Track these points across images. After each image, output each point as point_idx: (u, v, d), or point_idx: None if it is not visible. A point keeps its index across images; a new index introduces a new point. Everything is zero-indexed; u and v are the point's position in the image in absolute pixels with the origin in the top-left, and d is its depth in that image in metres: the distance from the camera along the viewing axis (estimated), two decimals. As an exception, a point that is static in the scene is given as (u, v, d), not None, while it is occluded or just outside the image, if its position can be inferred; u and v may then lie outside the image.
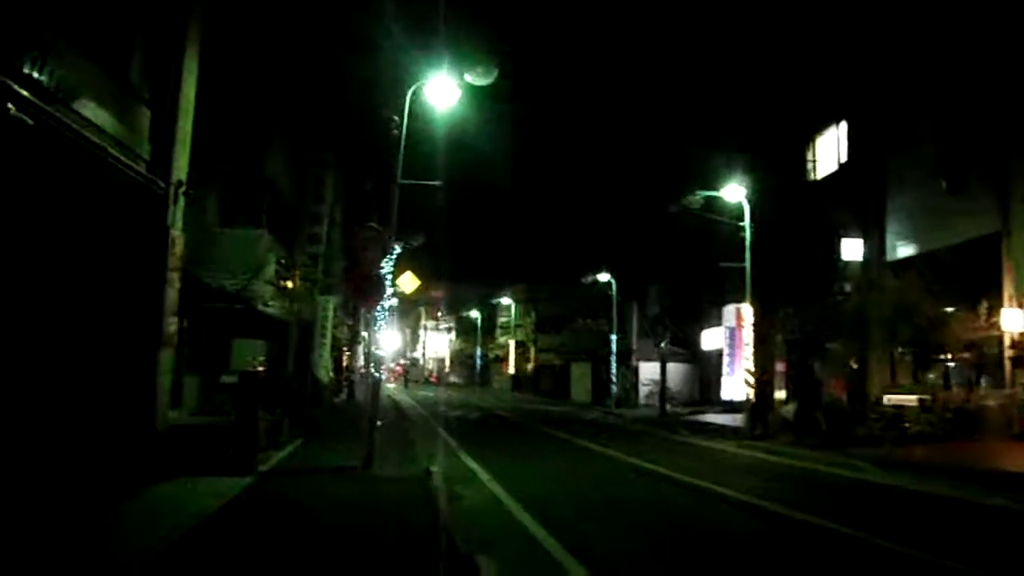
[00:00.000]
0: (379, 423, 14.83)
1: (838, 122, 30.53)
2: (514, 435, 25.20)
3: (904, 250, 26.51)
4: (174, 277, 12.36)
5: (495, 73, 13.82)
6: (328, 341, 19.74)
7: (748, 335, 36.01)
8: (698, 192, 26.12)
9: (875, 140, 28.01)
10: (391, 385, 69.51)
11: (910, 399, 22.82)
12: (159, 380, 12.10)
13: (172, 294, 12.36)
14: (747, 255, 25.24)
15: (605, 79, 74.39)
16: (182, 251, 12.61)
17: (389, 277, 15.65)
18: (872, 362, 27.07)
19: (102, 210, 10.81)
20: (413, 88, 14.49)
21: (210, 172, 19.89)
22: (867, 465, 16.36)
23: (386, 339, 77.64)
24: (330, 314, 19.74)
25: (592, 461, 17.85)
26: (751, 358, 25.02)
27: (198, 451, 12.94)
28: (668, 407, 36.09)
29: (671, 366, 43.81)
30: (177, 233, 12.47)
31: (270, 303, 20.92)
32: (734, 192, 25.94)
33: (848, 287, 28.14)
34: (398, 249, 15.89)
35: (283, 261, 22.16)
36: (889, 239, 27.48)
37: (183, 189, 12.61)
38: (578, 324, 64.56)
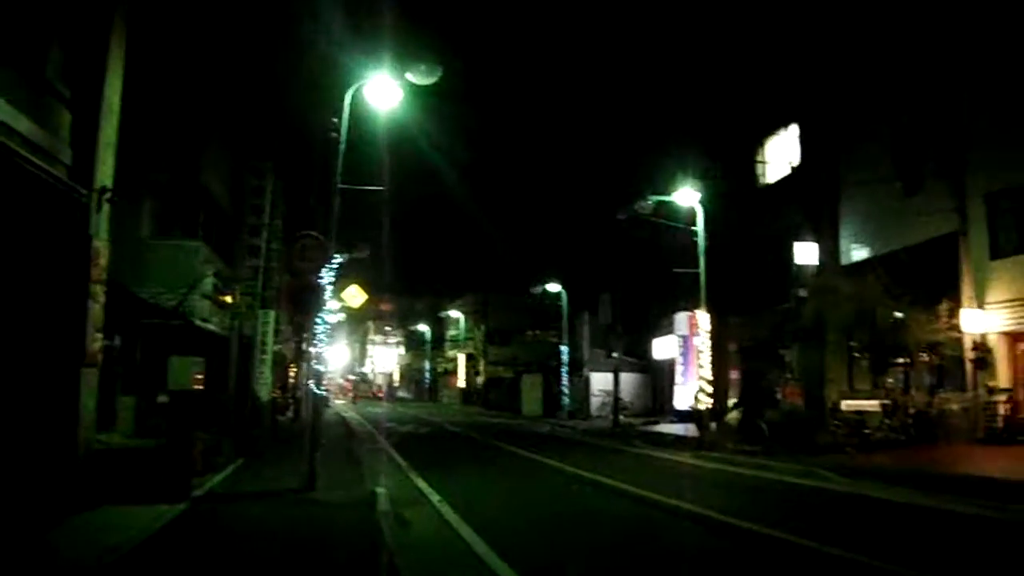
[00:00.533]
0: (323, 442, 14.11)
1: (788, 125, 30.35)
2: (464, 450, 24.48)
3: (859, 253, 26.32)
4: (98, 290, 11.49)
5: (439, 72, 13.17)
6: (269, 357, 18.83)
7: (701, 343, 35.89)
8: (649, 197, 25.67)
9: (827, 142, 27.85)
10: (340, 402, 68.26)
11: (870, 404, 22.55)
12: (82, 401, 11.20)
13: (96, 308, 11.49)
14: (701, 260, 24.87)
15: (556, 83, 73.85)
16: (107, 263, 11.74)
17: (331, 288, 14.83)
18: (829, 367, 26.83)
19: (14, 217, 9.95)
20: (353, 88, 13.77)
21: (143, 182, 19.06)
22: (831, 474, 15.91)
23: (334, 354, 76.50)
24: (270, 329, 18.86)
25: (547, 477, 17.22)
26: (706, 366, 24.56)
27: (129, 476, 12.04)
28: (621, 418, 35.58)
29: (623, 376, 43.21)
30: (101, 243, 11.60)
31: (209, 318, 20.00)
32: (686, 196, 25.55)
33: (803, 292, 27.87)
34: (340, 259, 15.15)
35: (222, 274, 21.24)
36: (844, 242, 27.30)
37: (107, 196, 11.74)
38: (528, 336, 64.15)
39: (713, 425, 25.77)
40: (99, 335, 11.58)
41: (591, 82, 62.20)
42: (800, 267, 28.19)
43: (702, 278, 24.51)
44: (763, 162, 32.04)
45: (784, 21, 29.07)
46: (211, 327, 20.42)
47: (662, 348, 40.37)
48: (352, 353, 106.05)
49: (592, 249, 44.34)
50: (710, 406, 24.17)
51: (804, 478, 15.91)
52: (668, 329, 39.13)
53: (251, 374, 19.08)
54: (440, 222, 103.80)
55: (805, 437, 21.12)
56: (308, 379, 12.73)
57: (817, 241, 27.86)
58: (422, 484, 14.63)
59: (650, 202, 25.48)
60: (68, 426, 10.92)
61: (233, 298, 21.41)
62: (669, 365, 39.63)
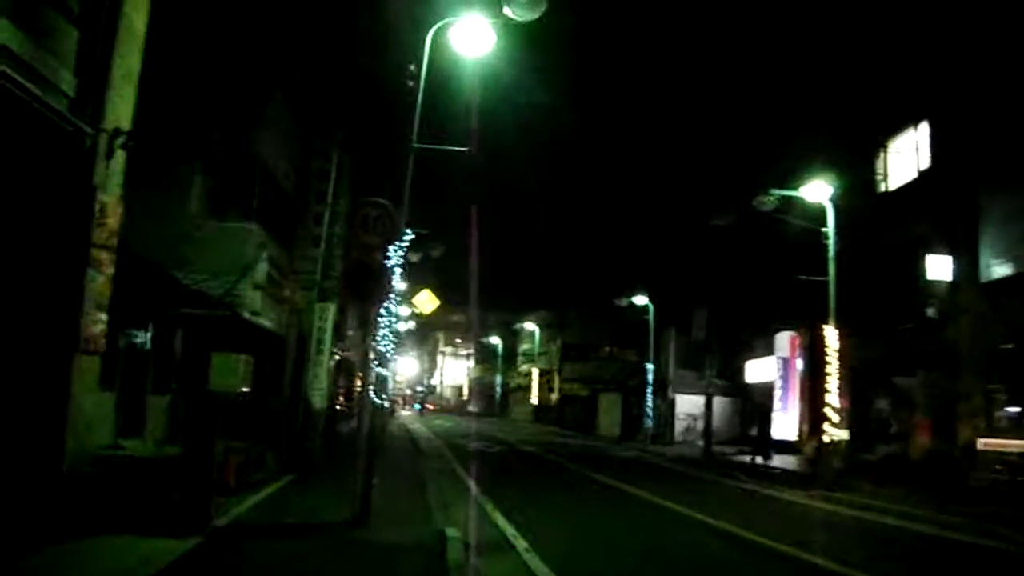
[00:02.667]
0: (385, 456, 11.54)
1: (917, 124, 26.80)
2: (545, 477, 21.58)
3: (1002, 269, 22.79)
4: (103, 257, 8.98)
5: (544, 5, 10.43)
6: (325, 358, 16.26)
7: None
8: (772, 191, 22.45)
9: (965, 141, 24.33)
10: (406, 413, 65.94)
11: (1017, 444, 19.15)
12: (73, 398, 8.69)
13: (100, 281, 8.98)
14: (831, 266, 21.58)
15: (653, 73, 69.83)
16: (118, 224, 9.24)
17: (401, 292, 12.20)
18: (964, 400, 23.40)
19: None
20: (435, 28, 11.13)
21: (193, 153, 16.73)
22: (1014, 533, 12.70)
23: (403, 365, 74.29)
24: (328, 325, 16.27)
25: (649, 516, 14.27)
26: (833, 391, 21.23)
27: (136, 496, 9.55)
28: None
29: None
30: (111, 198, 9.10)
31: (261, 312, 17.52)
32: (816, 191, 22.30)
33: (933, 311, 24.46)
34: (410, 234, 12.56)
35: (279, 264, 18.81)
36: (983, 257, 23.79)
37: (123, 141, 9.25)
38: (604, 352, 61.02)
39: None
40: (102, 315, 9.06)
41: (692, 76, 58.44)
42: (930, 283, 24.78)
43: (831, 287, 21.23)
44: (884, 171, 28.55)
45: (912, 8, 25.79)
46: (263, 322, 17.95)
47: (756, 371, 37.02)
48: (421, 364, 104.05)
49: (683, 260, 41.10)
50: (834, 439, 20.83)
51: (978, 536, 12.74)
52: (763, 351, 35.85)
53: (302, 378, 16.52)
54: (517, 226, 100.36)
55: (952, 480, 17.84)
56: (366, 384, 10.02)
57: (951, 254, 24.41)
58: (500, 520, 11.83)
59: (772, 197, 22.27)
60: (51, 430, 8.41)
61: (291, 291, 18.96)
62: (763, 390, 36.30)
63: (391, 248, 11.13)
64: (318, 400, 15.92)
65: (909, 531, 13.69)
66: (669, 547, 11.25)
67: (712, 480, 21.86)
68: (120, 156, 9.33)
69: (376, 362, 11.75)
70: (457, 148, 13.31)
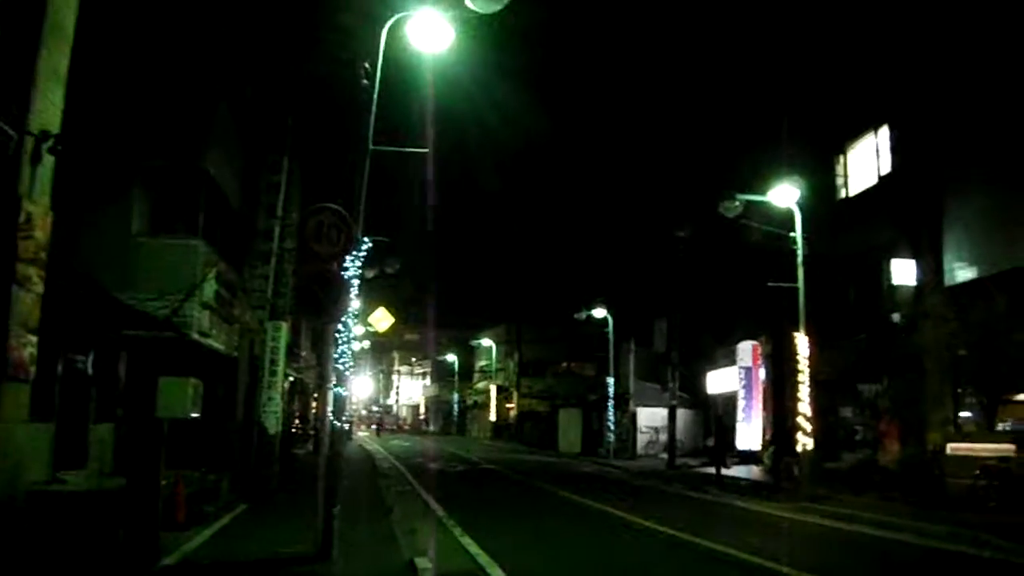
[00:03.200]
0: (344, 482, 10.80)
1: (877, 128, 26.52)
2: (510, 496, 20.87)
3: (966, 272, 22.57)
4: (31, 274, 8.16)
5: (506, -6, 9.79)
6: (279, 379, 15.40)
7: (763, 375, 32.27)
8: (736, 196, 21.96)
9: (927, 144, 24.09)
10: (362, 433, 64.68)
11: (986, 449, 18.84)
12: (-1, 430, 7.85)
13: (28, 300, 8.15)
14: (799, 272, 21.14)
15: (616, 76, 69.30)
16: (47, 237, 8.42)
17: (356, 311, 11.40)
18: (931, 406, 23.14)
19: None
20: (390, 23, 10.45)
21: (133, 168, 15.89)
22: (997, 539, 12.24)
23: (358, 385, 72.99)
24: (281, 345, 15.42)
25: (623, 536, 13.64)
26: (805, 399, 20.73)
27: (76, 534, 8.70)
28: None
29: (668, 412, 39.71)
30: (38, 209, 8.28)
31: (210, 333, 16.64)
32: (783, 195, 21.87)
33: (897, 317, 24.20)
34: (367, 244, 11.77)
35: (228, 282, 17.94)
36: (947, 261, 23.57)
37: (50, 144, 8.44)
38: (562, 368, 60.45)
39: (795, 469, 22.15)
40: (31, 337, 8.23)
41: (646, 81, 57.98)
42: (894, 289, 24.54)
43: (800, 293, 20.79)
44: (844, 176, 28.31)
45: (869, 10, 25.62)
46: (213, 344, 17.06)
47: (718, 382, 36.65)
48: (376, 384, 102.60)
49: (642, 272, 40.69)
50: (807, 447, 20.32)
51: (963, 544, 12.27)
52: (725, 361, 35.49)
53: (256, 400, 15.64)
54: (474, 237, 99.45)
55: (928, 486, 17.47)
56: (324, 406, 9.25)
57: (915, 258, 24.19)
58: (471, 546, 11.09)
59: (736, 202, 21.80)
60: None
61: (243, 311, 18.11)
62: (724, 401, 35.94)
63: (347, 259, 10.41)
64: (272, 423, 15.06)
65: (892, 541, 13.20)
66: (647, 566, 10.67)
67: (680, 494, 21.33)
68: (48, 162, 8.53)
69: (334, 382, 11.00)
70: (415, 149, 12.62)
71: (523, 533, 13.22)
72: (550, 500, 19.20)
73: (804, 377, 20.33)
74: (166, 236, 16.29)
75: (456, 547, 11.12)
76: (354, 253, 11.01)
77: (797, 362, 20.52)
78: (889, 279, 24.29)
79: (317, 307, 8.88)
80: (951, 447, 20.78)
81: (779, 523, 15.33)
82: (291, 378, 33.40)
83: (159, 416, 15.26)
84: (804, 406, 20.09)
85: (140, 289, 15.14)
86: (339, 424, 10.67)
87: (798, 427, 20.09)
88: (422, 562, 8.92)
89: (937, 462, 19.00)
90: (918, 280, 23.87)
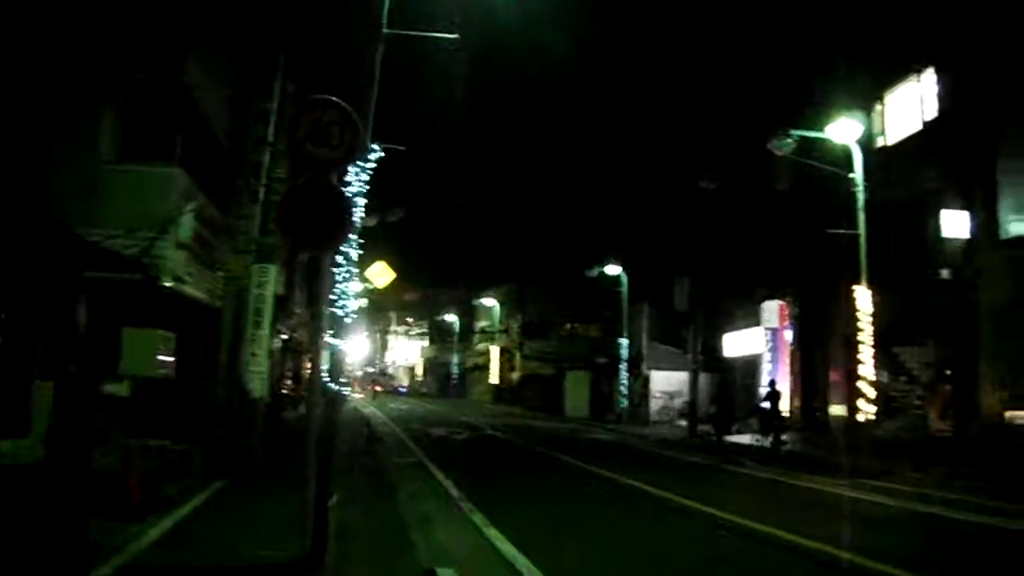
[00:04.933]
0: (338, 447, 8.54)
1: (920, 71, 24.10)
2: (532, 470, 18.50)
3: (1022, 225, 20.40)
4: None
5: None
6: (265, 334, 13.08)
7: (790, 336, 30.01)
8: (788, 132, 19.43)
9: (980, 86, 21.73)
10: (358, 396, 62.49)
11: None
12: None
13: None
14: (860, 217, 18.70)
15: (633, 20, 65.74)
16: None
17: (357, 245, 9.01)
18: (983, 371, 20.98)
19: None
20: None
21: (102, 72, 13.48)
22: None
23: (353, 345, 70.68)
24: (269, 291, 13.07)
25: (681, 523, 11.46)
26: (867, 362, 18.31)
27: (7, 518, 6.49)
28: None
29: (685, 375, 37.39)
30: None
31: (186, 278, 14.31)
32: (844, 130, 19.44)
33: (945, 273, 21.94)
34: (378, 152, 9.40)
35: (210, 220, 15.60)
36: (1002, 212, 21.29)
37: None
38: (566, 330, 58.25)
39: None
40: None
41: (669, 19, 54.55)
42: (942, 242, 22.26)
43: (862, 241, 18.36)
44: (880, 121, 25.84)
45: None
46: (191, 291, 14.76)
47: (737, 344, 34.46)
48: (373, 345, 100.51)
49: (659, 227, 38.25)
50: (869, 416, 17.92)
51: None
52: (745, 322, 33.25)
53: (238, 358, 13.32)
54: (467, 193, 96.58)
55: (994, 458, 15.41)
56: (317, 365, 6.89)
57: (967, 209, 21.88)
58: (501, 543, 8.77)
59: (790, 139, 19.29)
60: None
61: (228, 256, 15.72)
62: (744, 364, 33.79)
63: (351, 170, 8.14)
64: (257, 385, 12.75)
65: (993, 528, 11.08)
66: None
67: (716, 467, 19.15)
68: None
69: (330, 333, 8.71)
70: (443, 35, 10.20)
71: (561, 522, 10.93)
72: (578, 476, 16.92)
73: (866, 336, 17.95)
74: (138, 164, 13.92)
75: (482, 544, 8.86)
76: (360, 164, 8.68)
77: (856, 319, 18.09)
78: (937, 231, 22.05)
79: (311, 231, 6.52)
80: (1008, 415, 18.84)
81: (847, 504, 13.10)
82: (283, 336, 31.12)
83: (123, 374, 13.14)
84: (866, 369, 17.77)
85: (106, 224, 12.81)
86: (336, 387, 8.34)
87: (858, 393, 17.74)
88: (446, 574, 6.67)
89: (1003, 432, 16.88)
90: (971, 233, 21.67)
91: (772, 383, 24.90)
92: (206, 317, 15.98)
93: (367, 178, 8.87)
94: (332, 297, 8.35)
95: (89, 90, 13.25)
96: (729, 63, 31.88)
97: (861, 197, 18.36)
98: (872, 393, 17.67)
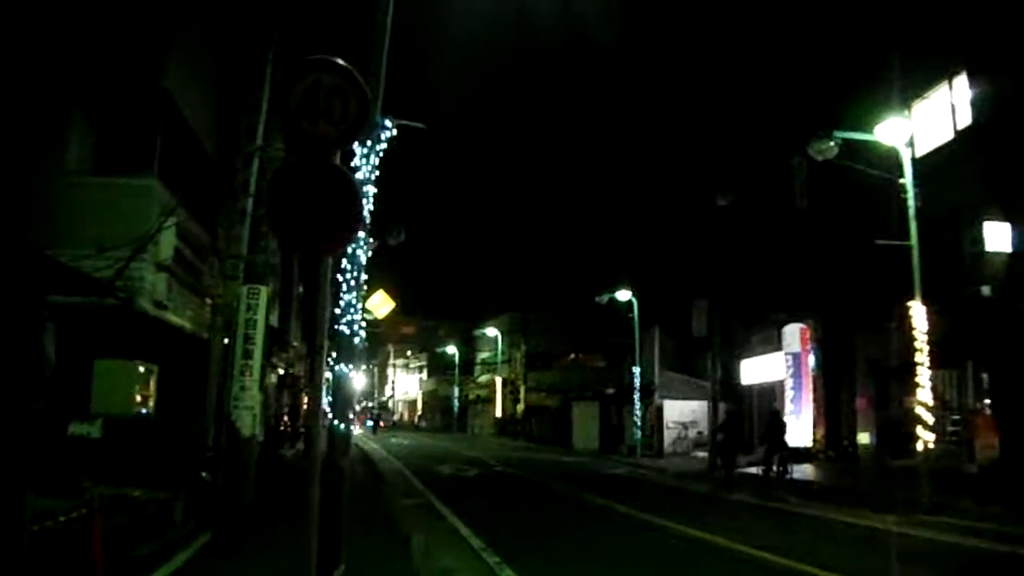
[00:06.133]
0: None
1: (952, 77, 22.77)
2: (557, 512, 16.71)
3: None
4: None
5: None
6: (256, 364, 11.43)
7: (812, 361, 28.37)
8: (831, 134, 17.84)
9: (1019, 91, 20.40)
10: (357, 430, 60.53)
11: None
12: None
13: None
14: (912, 226, 17.08)
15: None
16: None
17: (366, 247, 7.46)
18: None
19: None
20: None
21: (72, 72, 12.07)
22: None
23: (353, 379, 68.94)
24: (260, 315, 11.44)
25: (743, 571, 9.85)
26: (926, 385, 16.58)
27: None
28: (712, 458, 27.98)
29: (698, 404, 35.88)
30: None
31: (167, 303, 12.76)
32: (891, 130, 17.95)
33: (986, 289, 20.48)
34: (391, 131, 7.89)
35: (194, 239, 14.08)
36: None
37: None
38: (569, 360, 56.58)
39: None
40: None
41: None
42: (981, 256, 20.81)
43: (915, 252, 16.74)
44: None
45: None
46: (174, 319, 13.22)
47: (755, 370, 32.89)
48: (370, 379, 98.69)
49: (666, 252, 36.79)
50: (928, 444, 16.21)
51: None
52: (763, 347, 31.72)
53: (225, 391, 11.73)
54: (476, 219, 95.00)
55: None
56: (317, 396, 5.28)
57: (1008, 220, 20.48)
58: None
59: (833, 142, 17.72)
60: None
61: (215, 281, 14.17)
62: (761, 392, 32.20)
63: (357, 149, 6.63)
64: (248, 422, 11.13)
65: None
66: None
67: (753, 504, 17.51)
68: None
69: (335, 357, 7.15)
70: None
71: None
72: (609, 519, 15.22)
73: (923, 358, 16.32)
74: (112, 175, 12.45)
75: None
76: (369, 143, 7.13)
77: (913, 339, 16.43)
78: (978, 244, 20.58)
79: (307, 223, 4.97)
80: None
81: (923, 546, 11.52)
82: (280, 371, 29.51)
83: (95, 412, 11.56)
84: (925, 393, 16.11)
85: (75, 243, 11.27)
86: (343, 425, 6.76)
87: (916, 419, 16.09)
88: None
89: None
90: (1015, 245, 20.25)
91: (775, 412, 23.49)
92: (192, 348, 14.40)
93: (376, 162, 7.25)
94: (337, 311, 6.83)
95: (56, 93, 11.84)
96: (746, 74, 30.51)
97: (912, 203, 16.80)
98: (931, 420, 15.96)
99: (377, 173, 7.15)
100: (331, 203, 5.08)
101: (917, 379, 15.97)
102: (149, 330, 12.46)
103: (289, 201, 5.11)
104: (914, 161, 23.37)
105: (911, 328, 16.17)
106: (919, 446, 15.85)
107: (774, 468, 21.52)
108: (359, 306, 7.31)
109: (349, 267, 7.14)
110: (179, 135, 13.68)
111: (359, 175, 6.98)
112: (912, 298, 16.54)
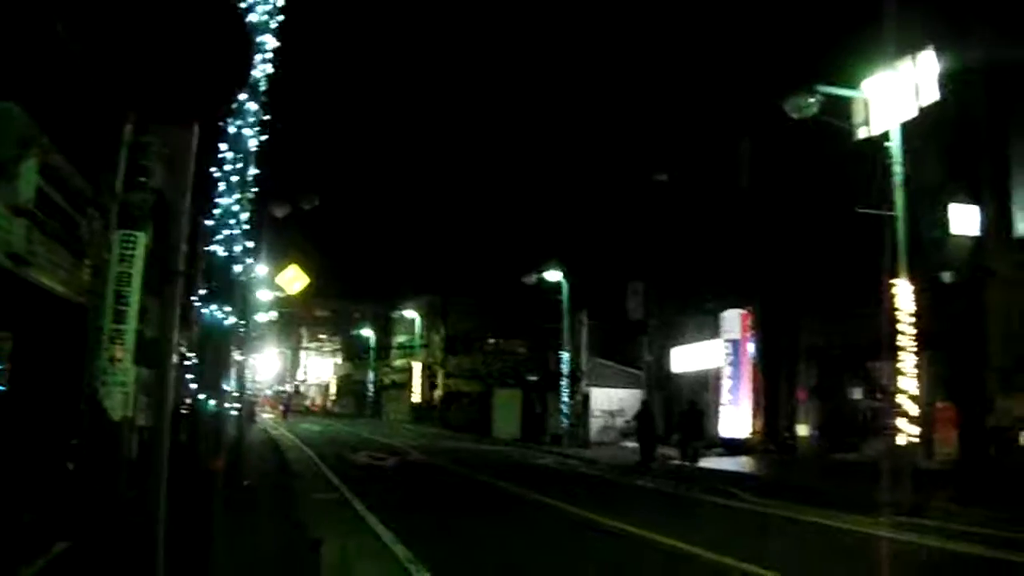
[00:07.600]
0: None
1: (915, 54, 21.50)
2: (485, 508, 14.99)
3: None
4: None
5: None
6: (131, 328, 9.31)
7: (752, 348, 27.10)
8: (813, 89, 16.25)
9: (987, 70, 19.46)
10: (267, 416, 57.76)
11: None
12: None
13: None
14: (898, 196, 15.49)
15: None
16: None
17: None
18: (993, 382, 18.53)
19: None
20: None
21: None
22: None
23: (262, 361, 65.90)
24: (137, 268, 9.29)
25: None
26: (909, 372, 14.98)
27: None
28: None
29: (627, 394, 34.47)
30: None
31: (31, 257, 10.52)
32: (882, 86, 16.63)
33: (949, 276, 19.45)
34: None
35: (72, 187, 11.80)
36: (1015, 208, 19.08)
37: None
38: (489, 345, 54.95)
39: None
40: None
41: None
42: (944, 241, 19.77)
43: (900, 224, 15.17)
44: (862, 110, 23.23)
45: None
46: (41, 278, 10.94)
47: (688, 358, 31.61)
48: (284, 362, 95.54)
49: (597, 230, 35.21)
50: (911, 438, 14.70)
51: None
52: (698, 335, 30.39)
53: (89, 365, 9.60)
54: (387, 199, 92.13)
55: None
56: (167, 346, 3.30)
57: (976, 204, 19.51)
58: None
59: (813, 100, 16.12)
60: None
61: (97, 238, 11.93)
62: (693, 380, 30.91)
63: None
64: (119, 403, 9.06)
65: None
66: None
67: (706, 501, 15.97)
68: None
69: (209, 288, 5.17)
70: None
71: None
72: (543, 517, 13.52)
73: (907, 342, 14.85)
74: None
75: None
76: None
77: (895, 320, 14.98)
78: (943, 228, 19.51)
79: (165, 67, 3.09)
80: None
81: (914, 553, 10.09)
82: (188, 356, 26.98)
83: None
84: (908, 381, 14.67)
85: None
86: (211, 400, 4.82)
87: (899, 411, 14.65)
88: None
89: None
90: (981, 230, 19.27)
91: (692, 403, 22.18)
92: (64, 315, 12.15)
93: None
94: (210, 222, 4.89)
95: None
96: (689, 45, 29.09)
97: (900, 171, 15.34)
98: (915, 411, 14.53)
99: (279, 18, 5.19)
100: (205, 41, 3.16)
101: (899, 365, 14.53)
102: (8, 291, 10.22)
103: (137, 33, 3.17)
104: (870, 141, 21.98)
105: (893, 309, 14.73)
106: (899, 439, 14.38)
107: (688, 458, 20.10)
108: (243, 217, 5.35)
109: (230, 155, 5.21)
110: (46, 47, 11.40)
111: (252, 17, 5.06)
112: (894, 276, 15.12)
